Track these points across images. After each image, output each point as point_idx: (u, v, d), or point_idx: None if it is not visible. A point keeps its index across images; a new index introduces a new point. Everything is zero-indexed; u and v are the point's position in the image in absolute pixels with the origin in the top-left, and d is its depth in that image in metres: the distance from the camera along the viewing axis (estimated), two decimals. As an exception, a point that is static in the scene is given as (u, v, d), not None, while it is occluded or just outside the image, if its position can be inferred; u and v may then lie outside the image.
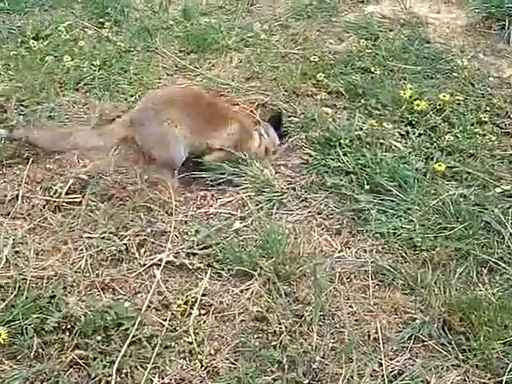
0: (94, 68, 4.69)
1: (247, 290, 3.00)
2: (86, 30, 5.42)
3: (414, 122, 4.27)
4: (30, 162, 3.67)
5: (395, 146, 3.99)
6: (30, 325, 2.68)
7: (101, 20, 5.61)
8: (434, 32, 5.73)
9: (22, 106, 4.19)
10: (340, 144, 3.92)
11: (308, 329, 2.81)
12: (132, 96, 4.41)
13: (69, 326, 2.71)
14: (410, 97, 4.41)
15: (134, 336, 2.70)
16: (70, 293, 2.90)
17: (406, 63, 5.05)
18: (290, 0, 6.36)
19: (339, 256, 3.23)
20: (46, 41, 5.09)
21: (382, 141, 4.01)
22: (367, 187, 3.62)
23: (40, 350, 2.64)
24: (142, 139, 3.84)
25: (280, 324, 2.81)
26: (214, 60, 5.10)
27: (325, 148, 3.95)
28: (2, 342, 2.58)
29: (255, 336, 2.78)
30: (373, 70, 4.89)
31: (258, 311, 2.87)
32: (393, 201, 3.53)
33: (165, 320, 2.81)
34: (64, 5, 5.90)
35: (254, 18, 6.01)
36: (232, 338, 2.78)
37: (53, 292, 2.85)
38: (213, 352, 2.71)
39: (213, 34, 5.33)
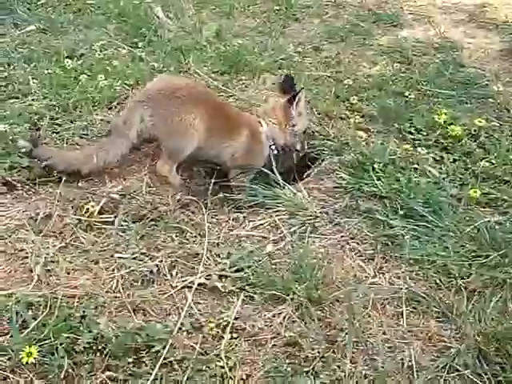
0: (127, 87, 4.72)
1: (279, 314, 2.95)
2: (119, 49, 5.47)
3: (448, 148, 4.23)
4: (63, 180, 3.66)
5: (429, 171, 3.95)
6: (61, 344, 2.64)
7: (134, 40, 5.67)
8: (469, 57, 5.71)
9: (56, 124, 4.22)
10: (374, 168, 3.89)
11: (341, 355, 2.75)
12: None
13: (100, 347, 2.67)
14: (445, 122, 4.38)
15: (165, 359, 2.66)
16: (101, 313, 2.86)
17: (440, 87, 5.03)
18: (324, 23, 6.40)
19: (372, 282, 3.17)
20: (80, 60, 5.14)
21: (416, 166, 3.98)
22: (401, 212, 3.56)
23: (70, 371, 2.60)
24: (156, 120, 3.85)
25: (313, 350, 2.76)
26: (247, 81, 5.12)
27: (358, 172, 3.91)
28: (33, 360, 2.55)
29: (287, 361, 2.72)
30: (407, 93, 4.89)
31: (290, 336, 2.82)
32: (427, 227, 3.47)
33: (196, 343, 2.76)
34: (98, 25, 5.98)
35: (287, 39, 6.05)
36: (264, 363, 2.72)
37: (84, 312, 2.81)
38: (244, 377, 2.65)
39: (246, 56, 5.36)
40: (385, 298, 3.08)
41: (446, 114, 4.44)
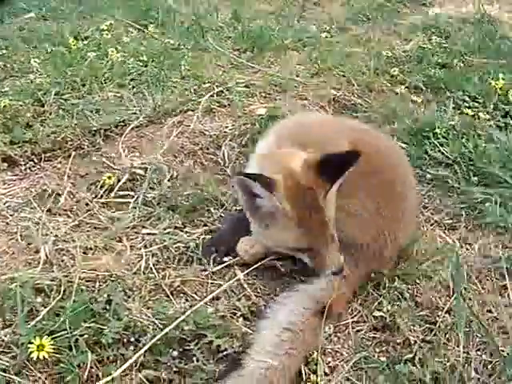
0: (141, 63, 4.15)
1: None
2: (129, 29, 4.95)
3: (511, 113, 3.89)
4: (73, 155, 3.09)
5: (497, 136, 3.52)
6: (81, 336, 2.02)
7: (144, 22, 5.13)
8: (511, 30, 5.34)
9: (62, 99, 3.62)
10: (434, 134, 3.48)
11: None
12: (186, 90, 3.84)
13: (132, 339, 2.06)
14: (501, 88, 4.04)
15: (220, 351, 2.05)
16: (130, 297, 2.24)
17: (487, 58, 4.75)
18: (345, 5, 6.13)
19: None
20: (85, 41, 4.58)
21: (479, 132, 3.58)
22: (474, 179, 3.15)
23: (94, 370, 1.97)
24: None
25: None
26: (273, 58, 4.68)
27: (417, 139, 3.50)
28: (47, 356, 1.93)
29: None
30: (454, 63, 4.61)
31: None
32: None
33: (256, 329, 2.15)
34: (103, 12, 5.49)
35: (308, 22, 5.66)
36: (351, 352, 2.14)
37: (109, 296, 2.19)
38: (327, 371, 2.06)
39: (271, 33, 5.00)
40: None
41: (504, 79, 4.09)
